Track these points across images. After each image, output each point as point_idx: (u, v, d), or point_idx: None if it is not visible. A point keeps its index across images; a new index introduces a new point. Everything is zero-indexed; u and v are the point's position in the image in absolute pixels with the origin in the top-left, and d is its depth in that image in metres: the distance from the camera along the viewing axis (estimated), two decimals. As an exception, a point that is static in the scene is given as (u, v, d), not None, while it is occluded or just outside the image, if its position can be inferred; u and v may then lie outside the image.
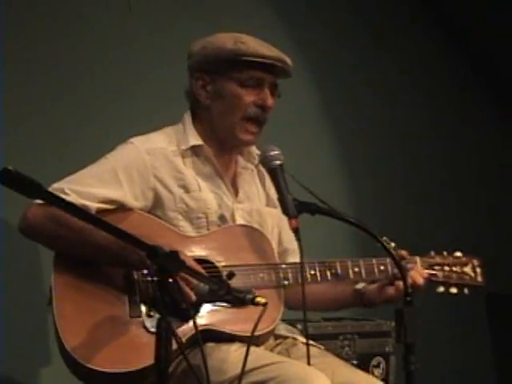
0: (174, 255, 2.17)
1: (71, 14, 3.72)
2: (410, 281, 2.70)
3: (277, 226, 2.98)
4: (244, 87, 2.82)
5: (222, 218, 2.82)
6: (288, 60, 2.86)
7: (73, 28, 3.71)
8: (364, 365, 3.63)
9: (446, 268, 2.90)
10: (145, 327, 2.58)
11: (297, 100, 4.23)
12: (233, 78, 2.82)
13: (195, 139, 2.85)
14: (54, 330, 2.58)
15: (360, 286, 2.87)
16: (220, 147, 2.89)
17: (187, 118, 2.91)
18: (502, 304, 4.88)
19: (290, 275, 2.75)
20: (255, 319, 2.34)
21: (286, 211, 2.70)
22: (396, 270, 2.73)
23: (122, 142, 2.85)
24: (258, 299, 2.34)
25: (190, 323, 2.55)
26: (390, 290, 2.79)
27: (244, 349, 2.42)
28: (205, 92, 2.86)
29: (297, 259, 2.75)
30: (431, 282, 2.88)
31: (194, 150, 2.86)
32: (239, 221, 2.85)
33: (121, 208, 2.73)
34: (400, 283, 2.71)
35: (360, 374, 2.73)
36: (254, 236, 2.81)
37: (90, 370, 2.51)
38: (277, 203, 2.92)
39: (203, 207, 2.80)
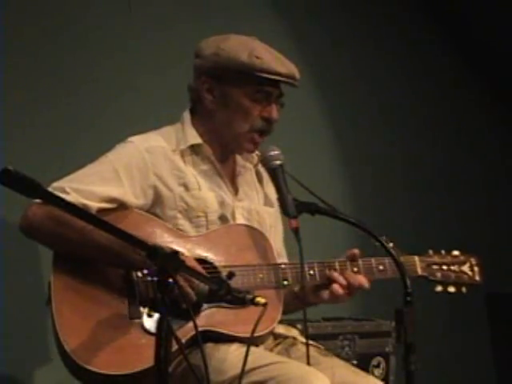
0: (175, 255, 2.16)
1: (71, 14, 3.72)
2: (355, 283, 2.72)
3: (274, 225, 2.97)
4: (252, 100, 2.79)
5: (221, 217, 2.81)
6: (298, 74, 2.82)
7: (73, 28, 3.71)
8: (364, 365, 3.62)
9: (444, 267, 2.90)
10: (144, 328, 2.57)
11: (297, 101, 4.21)
12: (242, 90, 2.79)
13: (194, 138, 2.84)
14: (53, 331, 2.57)
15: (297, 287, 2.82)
16: (220, 148, 2.88)
17: (186, 117, 2.90)
18: (502, 304, 4.88)
19: (289, 276, 2.75)
20: (255, 320, 2.34)
21: (286, 211, 2.69)
22: (333, 273, 2.74)
23: (121, 142, 2.85)
24: (258, 299, 2.34)
25: (190, 324, 2.53)
26: (325, 295, 2.77)
27: (243, 349, 2.41)
28: (211, 96, 2.83)
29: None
30: (429, 281, 2.88)
31: (194, 149, 2.85)
32: (239, 219, 2.84)
33: (120, 207, 2.72)
34: (336, 287, 2.72)
35: (360, 374, 2.72)
36: (254, 236, 2.80)
37: (89, 372, 2.51)
38: (274, 203, 2.93)
39: (203, 206, 2.79)
